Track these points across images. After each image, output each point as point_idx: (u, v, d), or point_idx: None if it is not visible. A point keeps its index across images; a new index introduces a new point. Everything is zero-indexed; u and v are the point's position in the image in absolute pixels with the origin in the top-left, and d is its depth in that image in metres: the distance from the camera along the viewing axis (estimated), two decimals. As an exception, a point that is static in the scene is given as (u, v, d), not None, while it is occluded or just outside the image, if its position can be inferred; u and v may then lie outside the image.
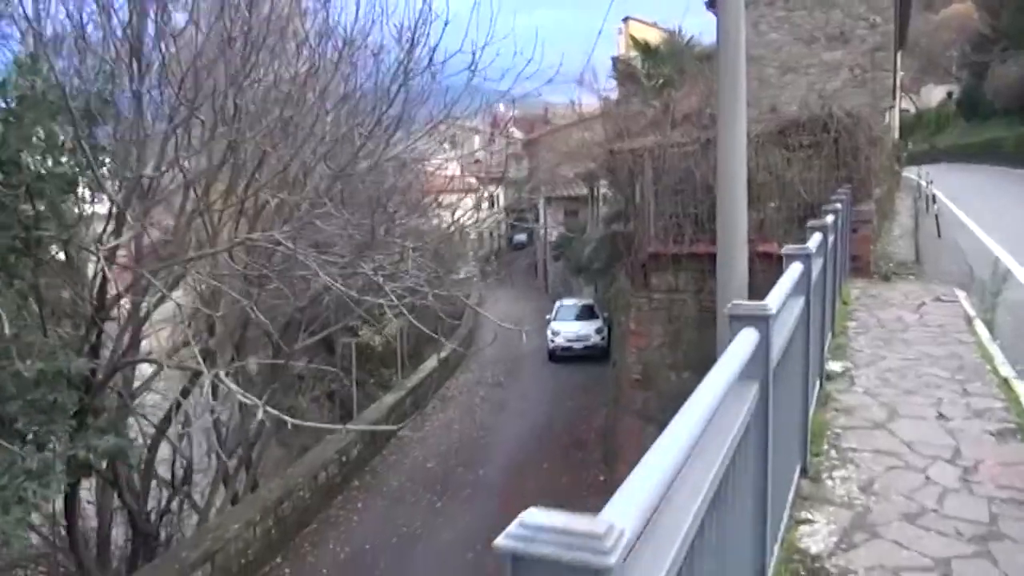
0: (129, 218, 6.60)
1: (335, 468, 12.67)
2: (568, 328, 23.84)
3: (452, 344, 23.43)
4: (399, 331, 20.67)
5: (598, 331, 23.00)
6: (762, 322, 2.54)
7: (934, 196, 16.88)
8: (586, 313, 24.43)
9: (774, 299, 2.84)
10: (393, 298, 8.61)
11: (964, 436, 4.30)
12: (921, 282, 10.17)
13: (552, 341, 23.80)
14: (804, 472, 3.95)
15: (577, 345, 23.24)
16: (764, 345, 2.54)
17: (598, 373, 19.60)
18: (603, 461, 14.03)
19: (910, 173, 28.11)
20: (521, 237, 57.46)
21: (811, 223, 6.45)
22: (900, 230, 15.55)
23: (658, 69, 17.58)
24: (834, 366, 5.76)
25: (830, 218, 7.29)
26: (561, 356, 23.33)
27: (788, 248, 4.58)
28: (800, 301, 3.87)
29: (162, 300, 8.34)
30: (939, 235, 14.31)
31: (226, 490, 12.06)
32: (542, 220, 45.67)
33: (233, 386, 6.20)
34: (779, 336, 2.90)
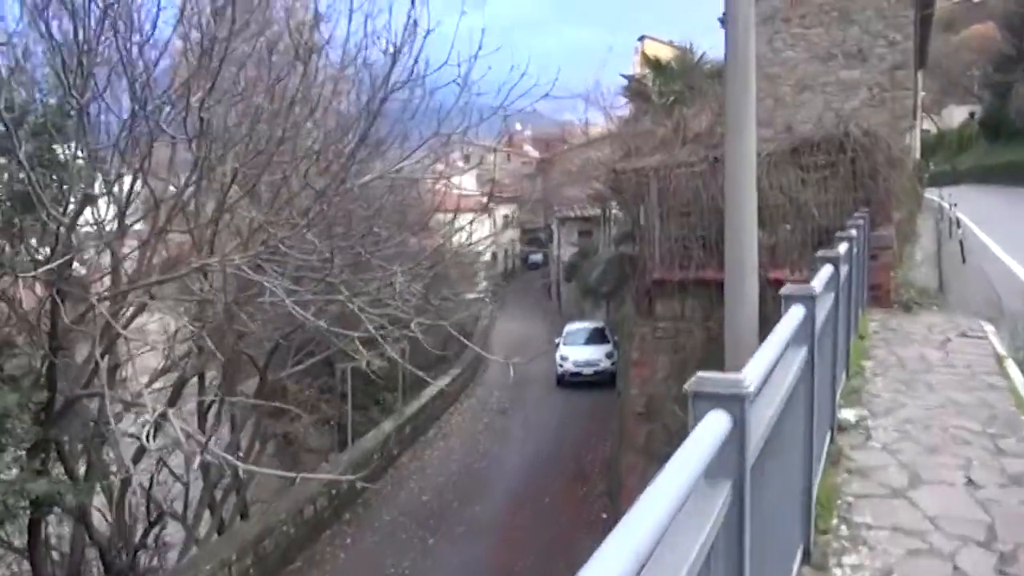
0: (74, 240, 6.09)
1: (324, 501, 12.07)
2: (577, 353, 23.14)
3: (455, 371, 22.90)
4: (401, 353, 20.10)
5: (608, 356, 22.25)
6: (735, 403, 1.93)
7: (958, 220, 16.13)
8: (596, 337, 23.69)
9: (756, 369, 2.23)
10: (370, 328, 8.05)
11: (999, 510, 3.63)
12: (945, 313, 9.46)
13: (560, 366, 23.12)
14: (807, 557, 3.29)
15: (586, 370, 22.53)
16: (739, 433, 1.92)
17: (607, 400, 18.92)
18: (607, 495, 13.33)
19: (932, 195, 27.32)
20: (537, 257, 56.95)
21: (820, 253, 5.78)
22: (922, 255, 14.82)
23: (669, 86, 17.02)
24: (848, 415, 5.10)
25: (843, 247, 6.66)
26: (570, 382, 22.64)
27: (788, 289, 3.85)
28: (802, 351, 3.24)
29: (127, 326, 7.87)
30: (964, 261, 13.57)
31: (212, 518, 11.52)
32: (555, 240, 45.15)
33: (177, 424, 5.60)
34: (763, 414, 2.28)
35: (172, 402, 9.32)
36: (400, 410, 17.65)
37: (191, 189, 7.38)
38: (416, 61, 7.54)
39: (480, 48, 7.83)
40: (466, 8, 7.63)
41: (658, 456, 11.00)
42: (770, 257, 10.43)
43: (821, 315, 3.77)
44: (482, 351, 12.56)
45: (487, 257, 54.64)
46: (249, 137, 6.92)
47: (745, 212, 9.28)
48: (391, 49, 7.12)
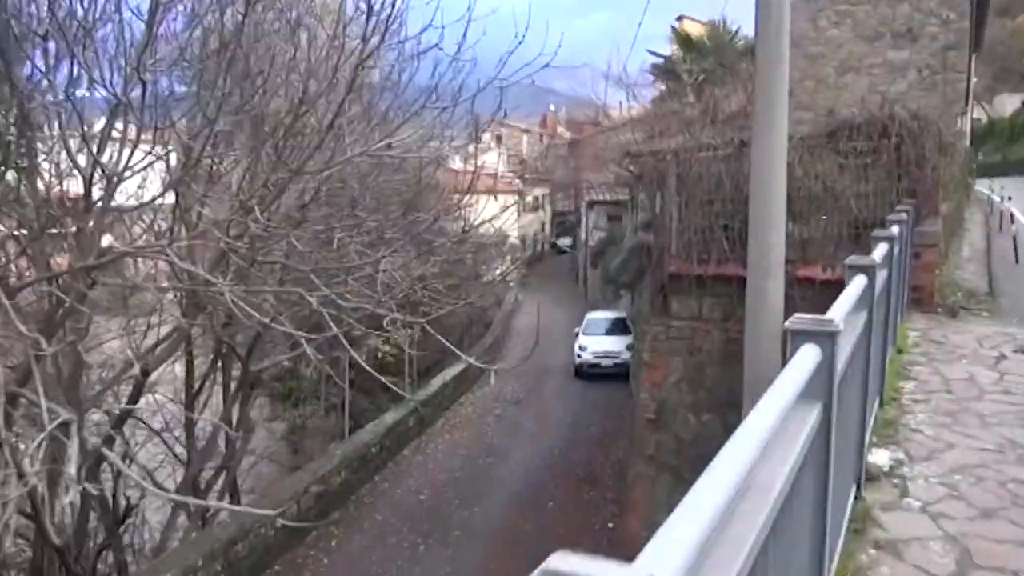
0: None
1: (310, 500, 11.33)
2: (597, 343, 22.17)
3: (469, 359, 22.09)
4: (410, 340, 19.33)
5: (629, 347, 21.25)
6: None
7: (1012, 214, 14.82)
8: (618, 327, 22.67)
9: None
10: (339, 333, 7.25)
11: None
12: (997, 321, 8.37)
13: (579, 356, 22.19)
14: None
15: (606, 362, 21.58)
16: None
17: (625, 394, 18.00)
18: (616, 502, 12.44)
19: (981, 186, 25.73)
20: (567, 241, 55.97)
21: (851, 261, 4.75)
22: (970, 251, 13.60)
23: (700, 64, 15.88)
24: (880, 458, 4.13)
25: (882, 250, 5.71)
26: (588, 373, 21.71)
27: (797, 322, 2.85)
28: (813, 413, 2.31)
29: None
30: (1017, 260, 12.36)
31: (190, 520, 10.87)
32: (583, 224, 44.05)
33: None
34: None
35: (134, 399, 8.62)
36: (405, 400, 16.89)
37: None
38: (397, 21, 6.67)
39: (470, 15, 6.98)
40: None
41: (668, 468, 10.09)
42: (800, 252, 9.41)
43: (844, 352, 2.82)
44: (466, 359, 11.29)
45: (514, 240, 53.92)
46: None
47: (772, 202, 8.33)
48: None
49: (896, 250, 6.68)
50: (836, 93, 15.90)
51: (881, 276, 5.00)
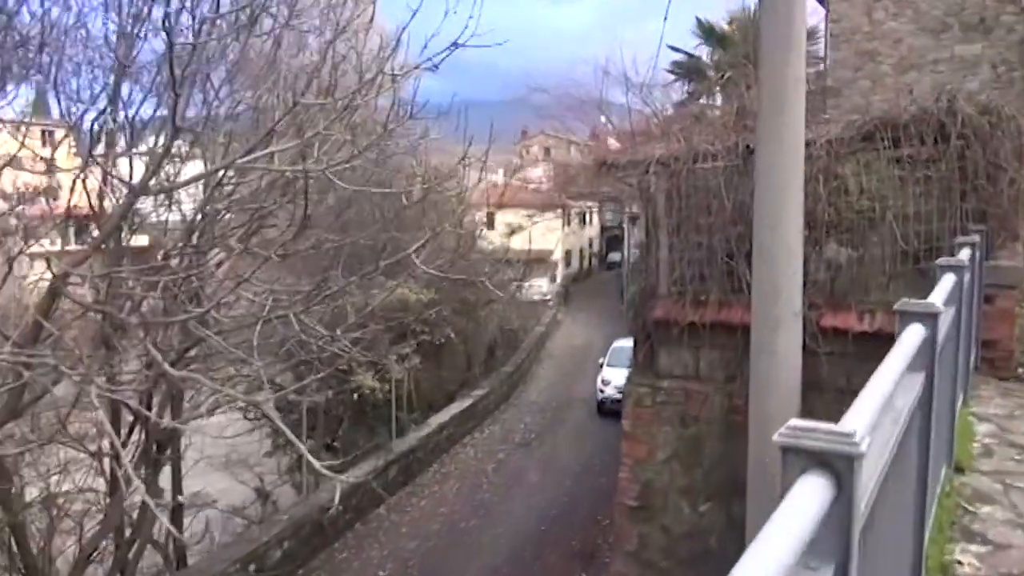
0: None
1: (235, 582, 9.42)
2: (621, 377, 19.78)
3: (480, 392, 20.05)
4: (407, 376, 17.36)
5: (657, 382, 18.86)
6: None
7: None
8: (644, 358, 20.26)
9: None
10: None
11: None
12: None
13: (601, 392, 19.90)
14: None
15: (630, 398, 19.19)
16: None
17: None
18: (612, 587, 10.17)
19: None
20: (616, 256, 53.76)
21: (901, 305, 2.74)
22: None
23: (726, 58, 13.58)
24: None
25: (943, 291, 3.51)
26: (611, 410, 19.39)
27: (788, 435, 1.59)
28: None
29: None
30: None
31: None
32: (625, 240, 41.72)
33: None
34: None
35: None
36: (387, 447, 14.92)
37: None
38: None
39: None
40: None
41: (655, 570, 7.82)
42: (826, 295, 7.11)
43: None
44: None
45: (556, 256, 51.75)
46: None
47: (784, 228, 6.15)
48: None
49: (963, 293, 4.39)
50: (895, 95, 13.40)
51: (940, 331, 2.81)
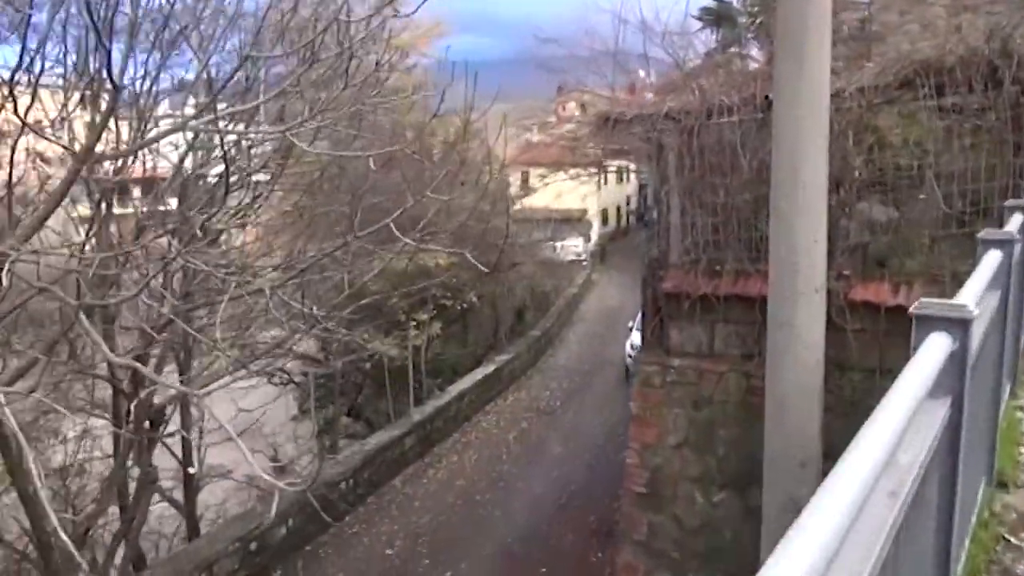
0: None
1: (233, 561, 9.11)
2: (650, 341, 19.10)
3: (505, 357, 19.53)
4: (427, 341, 16.91)
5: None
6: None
7: None
8: (675, 322, 19.49)
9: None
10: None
11: None
12: None
13: (629, 356, 19.21)
14: None
15: (659, 364, 18.50)
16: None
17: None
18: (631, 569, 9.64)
19: None
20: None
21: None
22: None
23: (759, 2, 12.55)
24: None
25: (991, 262, 2.77)
26: (639, 376, 18.76)
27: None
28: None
29: None
30: None
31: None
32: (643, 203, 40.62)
33: None
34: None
35: None
36: (407, 415, 14.54)
37: None
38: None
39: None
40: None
41: (666, 560, 7.25)
42: (857, 263, 6.34)
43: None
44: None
45: (592, 215, 50.72)
46: None
47: (806, 189, 5.48)
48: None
49: (1011, 267, 3.61)
50: (945, 41, 12.29)
51: (976, 335, 2.14)
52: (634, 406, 7.15)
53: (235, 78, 7.23)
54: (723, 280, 6.69)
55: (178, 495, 10.91)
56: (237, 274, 6.84)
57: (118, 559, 9.17)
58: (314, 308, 7.05)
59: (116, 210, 8.52)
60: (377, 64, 6.29)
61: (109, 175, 7.80)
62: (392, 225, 5.91)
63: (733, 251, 6.66)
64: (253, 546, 9.47)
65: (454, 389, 16.19)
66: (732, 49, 13.68)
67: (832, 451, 5.80)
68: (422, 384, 16.66)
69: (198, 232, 6.06)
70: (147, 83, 7.76)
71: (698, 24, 13.57)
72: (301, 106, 6.22)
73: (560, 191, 36.01)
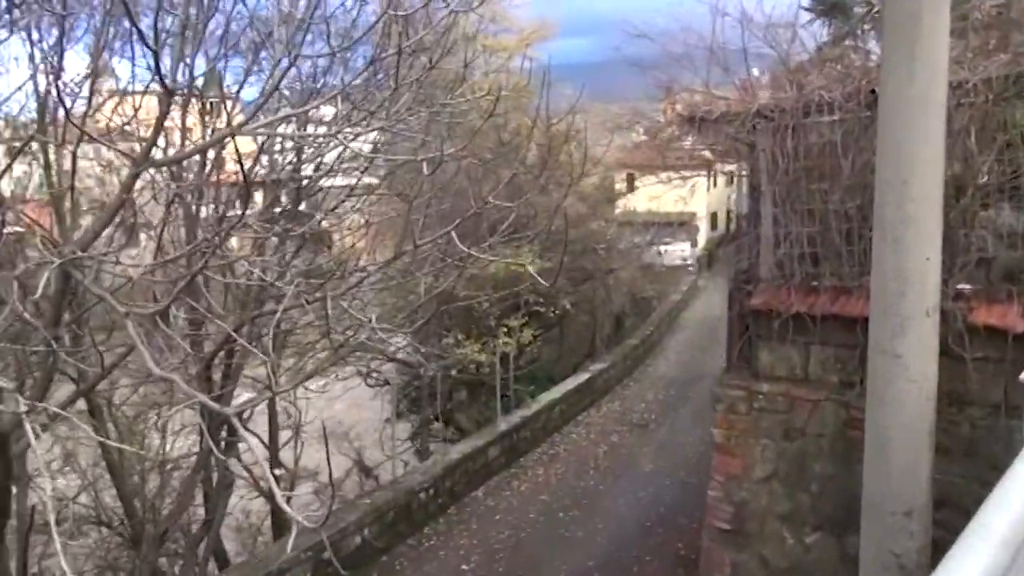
0: None
1: (305, 569, 9.01)
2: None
3: (600, 366, 18.92)
4: (518, 348, 16.56)
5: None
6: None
7: None
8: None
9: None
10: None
11: None
12: None
13: (731, 369, 18.28)
14: None
15: (763, 377, 17.48)
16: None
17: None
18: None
19: None
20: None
21: None
22: None
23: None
24: None
25: None
26: (741, 389, 17.79)
27: None
28: None
29: None
30: None
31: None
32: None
33: None
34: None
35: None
36: (493, 424, 14.24)
37: None
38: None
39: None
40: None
41: (753, 606, 6.56)
42: (980, 280, 5.51)
43: None
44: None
45: (700, 218, 49.23)
46: None
47: (916, 196, 4.77)
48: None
49: None
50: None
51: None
52: (717, 434, 6.51)
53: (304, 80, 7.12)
54: (820, 297, 5.97)
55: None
56: (336, 275, 6.72)
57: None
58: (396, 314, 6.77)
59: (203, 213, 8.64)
60: (465, 64, 6.00)
61: (187, 179, 7.86)
62: (482, 228, 5.54)
63: (832, 265, 5.94)
64: (326, 555, 9.34)
65: (544, 398, 15.76)
66: (846, 42, 12.65)
67: (946, 500, 5.02)
68: (513, 392, 16.33)
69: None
70: (213, 86, 7.74)
71: (807, 16, 12.56)
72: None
73: (666, 193, 34.95)
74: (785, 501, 6.24)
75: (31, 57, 5.64)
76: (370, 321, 5.37)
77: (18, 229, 6.73)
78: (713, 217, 51.08)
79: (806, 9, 12.72)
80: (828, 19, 12.93)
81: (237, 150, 5.26)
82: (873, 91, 5.40)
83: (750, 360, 6.34)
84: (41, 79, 5.87)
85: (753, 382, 6.27)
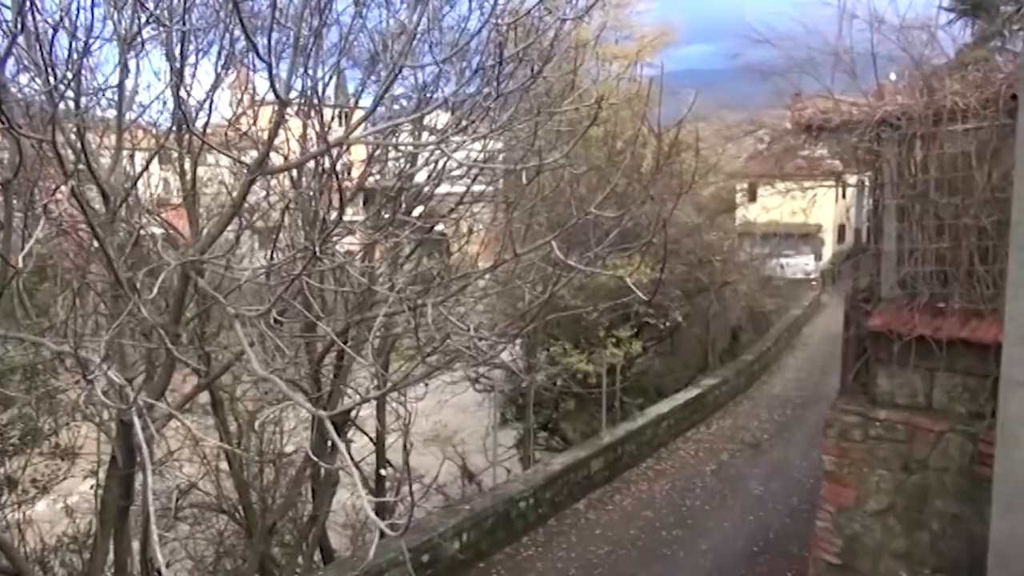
0: None
1: (403, 571, 9.15)
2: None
3: (712, 381, 18.33)
4: (629, 358, 16.30)
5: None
6: None
7: None
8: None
9: None
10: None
11: None
12: None
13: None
14: None
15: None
16: None
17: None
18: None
19: None
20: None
21: None
22: None
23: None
24: None
25: None
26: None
27: None
28: None
29: None
30: None
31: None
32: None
33: None
34: None
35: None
36: (597, 436, 14.06)
37: None
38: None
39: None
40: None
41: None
42: None
43: None
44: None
45: (825, 230, 47.13)
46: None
47: None
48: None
49: None
50: None
51: None
52: (828, 461, 6.14)
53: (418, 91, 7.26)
54: (948, 320, 5.53)
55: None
56: (439, 283, 6.84)
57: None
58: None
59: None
60: (575, 72, 5.97)
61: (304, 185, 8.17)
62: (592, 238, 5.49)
63: (962, 286, 5.49)
64: (425, 558, 9.47)
65: (651, 412, 15.44)
66: (990, 45, 11.75)
67: (1088, 551, 4.52)
68: (620, 404, 16.10)
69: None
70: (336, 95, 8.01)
71: (946, 17, 11.75)
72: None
73: (785, 204, 33.57)
74: (902, 538, 5.80)
75: (170, 69, 6.02)
76: (469, 329, 5.40)
77: (155, 231, 7.20)
78: (841, 229, 48.77)
79: (946, 9, 11.92)
80: (971, 19, 12.07)
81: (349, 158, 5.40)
82: (1014, 96, 4.96)
83: (867, 384, 5.95)
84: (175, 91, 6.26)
85: (870, 408, 5.88)
